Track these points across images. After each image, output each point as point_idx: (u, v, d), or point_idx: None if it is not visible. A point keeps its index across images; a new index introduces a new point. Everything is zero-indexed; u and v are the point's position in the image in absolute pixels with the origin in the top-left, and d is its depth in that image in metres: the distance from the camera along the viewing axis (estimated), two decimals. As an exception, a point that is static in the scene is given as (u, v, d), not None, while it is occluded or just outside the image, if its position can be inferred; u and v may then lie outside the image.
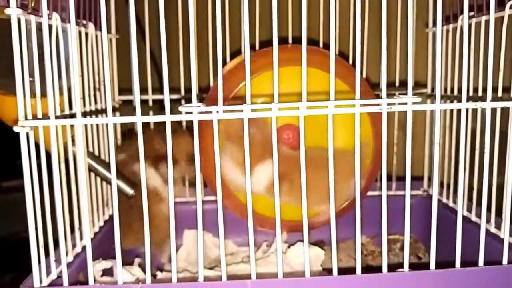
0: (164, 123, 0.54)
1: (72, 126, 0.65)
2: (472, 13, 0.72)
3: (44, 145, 0.57)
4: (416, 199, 0.90)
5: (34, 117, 0.56)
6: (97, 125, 0.78)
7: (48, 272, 0.58)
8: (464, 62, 0.57)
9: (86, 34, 0.74)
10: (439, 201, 0.82)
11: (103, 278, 0.70)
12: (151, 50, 0.90)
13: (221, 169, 0.68)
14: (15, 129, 0.54)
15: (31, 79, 0.56)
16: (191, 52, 0.53)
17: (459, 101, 0.57)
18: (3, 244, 1.01)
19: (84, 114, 0.72)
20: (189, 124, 0.55)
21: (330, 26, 0.54)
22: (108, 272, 0.71)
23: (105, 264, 0.70)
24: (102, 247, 0.72)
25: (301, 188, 0.55)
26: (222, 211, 0.55)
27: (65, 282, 0.57)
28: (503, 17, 0.66)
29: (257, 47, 0.88)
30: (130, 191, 0.78)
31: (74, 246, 0.66)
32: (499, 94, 0.66)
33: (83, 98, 0.73)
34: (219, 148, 0.54)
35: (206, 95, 0.82)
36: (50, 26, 0.60)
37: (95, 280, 0.58)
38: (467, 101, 0.57)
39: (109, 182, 0.77)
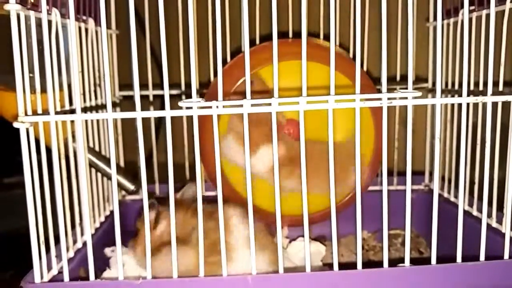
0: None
1: (72, 121, 0.65)
2: (472, 7, 0.72)
3: (44, 141, 0.57)
4: (417, 194, 0.89)
5: (34, 113, 0.56)
6: (98, 120, 0.78)
7: (49, 268, 0.58)
8: (465, 56, 0.57)
9: (86, 29, 0.74)
10: (440, 195, 0.81)
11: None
12: (151, 46, 0.89)
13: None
14: (15, 125, 0.54)
15: (31, 75, 0.55)
16: (191, 47, 0.53)
17: (460, 95, 0.57)
18: (4, 240, 1.02)
19: (84, 110, 0.72)
20: (189, 118, 0.55)
21: (330, 20, 0.54)
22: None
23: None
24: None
25: (302, 183, 0.55)
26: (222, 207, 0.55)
27: (66, 277, 0.57)
28: (504, 11, 0.66)
29: (257, 41, 0.88)
30: (130, 187, 0.78)
31: (75, 241, 0.66)
32: (500, 88, 0.66)
33: (83, 93, 0.73)
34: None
35: (207, 90, 0.82)
36: (49, 22, 0.59)
37: (96, 276, 0.58)
38: (468, 95, 0.57)
39: (109, 178, 0.77)
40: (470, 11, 0.72)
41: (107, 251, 0.74)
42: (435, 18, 0.88)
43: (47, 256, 0.58)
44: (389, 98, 0.54)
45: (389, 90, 0.55)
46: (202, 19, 0.87)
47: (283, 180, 0.66)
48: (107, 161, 0.75)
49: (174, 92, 0.89)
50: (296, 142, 0.75)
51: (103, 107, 0.78)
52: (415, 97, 0.54)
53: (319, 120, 0.64)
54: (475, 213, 0.72)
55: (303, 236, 0.57)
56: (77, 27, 0.70)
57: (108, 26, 0.86)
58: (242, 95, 0.56)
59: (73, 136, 0.66)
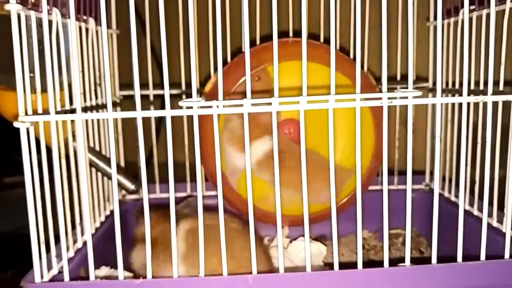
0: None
1: (72, 121, 0.65)
2: (473, 7, 0.72)
3: (45, 141, 0.57)
4: (418, 194, 0.89)
5: (35, 112, 0.56)
6: (98, 120, 0.78)
7: (49, 268, 0.58)
8: (465, 55, 0.57)
9: (87, 29, 0.74)
10: (441, 195, 0.82)
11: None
12: (151, 45, 0.89)
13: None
14: (16, 124, 0.54)
15: (31, 74, 0.55)
16: (191, 47, 0.53)
17: (461, 94, 0.57)
18: (4, 240, 1.02)
19: (85, 109, 0.72)
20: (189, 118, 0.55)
21: (330, 20, 0.54)
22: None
23: (106, 270, 0.70)
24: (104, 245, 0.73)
25: (302, 183, 0.55)
26: (222, 206, 0.55)
27: (66, 277, 0.57)
28: (504, 11, 0.66)
29: (257, 41, 0.88)
30: (131, 186, 0.78)
31: (75, 241, 0.66)
32: (501, 87, 0.66)
33: (84, 93, 0.73)
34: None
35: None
36: (50, 22, 0.59)
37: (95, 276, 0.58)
38: (469, 94, 0.57)
39: (110, 177, 0.77)
40: (471, 11, 0.72)
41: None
42: (435, 18, 0.88)
43: (48, 255, 0.58)
44: (389, 98, 0.54)
45: (390, 90, 0.55)
46: (203, 19, 0.87)
47: (270, 176, 0.66)
48: (107, 160, 0.75)
49: (175, 91, 0.89)
50: (291, 142, 0.76)
51: (103, 106, 0.78)
52: (416, 97, 0.54)
53: (316, 131, 0.64)
54: (475, 212, 0.72)
55: (303, 235, 0.57)
56: (77, 26, 0.70)
57: (109, 26, 0.86)
58: (243, 94, 0.56)
59: (74, 136, 0.66)
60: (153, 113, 0.55)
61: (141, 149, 0.54)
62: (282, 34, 0.80)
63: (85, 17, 0.73)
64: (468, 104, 0.58)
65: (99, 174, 0.77)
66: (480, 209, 0.71)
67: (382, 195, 0.55)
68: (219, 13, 0.53)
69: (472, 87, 0.71)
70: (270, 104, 0.54)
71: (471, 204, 0.73)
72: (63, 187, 0.60)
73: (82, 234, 0.68)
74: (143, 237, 0.62)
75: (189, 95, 0.87)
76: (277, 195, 0.55)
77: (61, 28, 0.62)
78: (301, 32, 0.54)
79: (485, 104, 0.57)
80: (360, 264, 0.57)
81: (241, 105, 0.54)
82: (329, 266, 0.79)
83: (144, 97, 0.84)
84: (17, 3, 0.52)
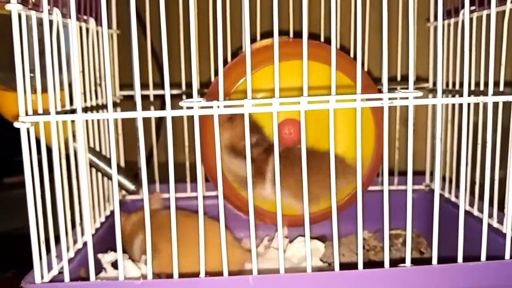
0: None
1: (72, 121, 0.65)
2: (473, 8, 0.72)
3: (45, 141, 0.57)
4: (418, 194, 0.89)
5: (35, 112, 0.56)
6: (98, 120, 0.78)
7: (50, 268, 0.58)
8: (466, 56, 0.57)
9: (87, 29, 0.74)
10: (441, 195, 0.82)
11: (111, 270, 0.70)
12: (152, 45, 0.89)
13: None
14: (16, 124, 0.53)
15: (31, 74, 0.55)
16: (192, 47, 0.53)
17: (461, 95, 0.57)
18: (5, 240, 1.02)
19: (85, 110, 0.72)
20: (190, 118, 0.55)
21: (331, 20, 0.54)
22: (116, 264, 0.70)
23: (114, 255, 0.70)
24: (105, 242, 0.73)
25: (303, 182, 0.55)
26: (223, 206, 0.55)
27: (66, 278, 0.57)
28: (504, 11, 0.66)
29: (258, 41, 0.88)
30: (131, 186, 0.78)
31: (75, 241, 0.66)
32: (501, 88, 0.66)
33: (84, 93, 0.73)
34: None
35: (207, 90, 0.82)
36: (50, 22, 0.59)
37: (97, 275, 0.57)
38: (469, 95, 0.57)
39: (110, 178, 0.77)
40: (471, 11, 0.72)
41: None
42: (435, 18, 0.88)
43: (48, 256, 0.58)
44: (390, 98, 0.54)
45: (390, 90, 0.55)
46: (203, 19, 0.87)
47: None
48: (107, 161, 0.75)
49: (175, 92, 0.89)
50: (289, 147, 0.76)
51: (103, 107, 0.78)
52: (416, 97, 0.54)
53: (316, 128, 0.64)
54: (476, 213, 0.72)
55: (302, 235, 0.57)
56: (78, 26, 0.70)
57: (109, 26, 0.86)
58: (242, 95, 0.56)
59: (74, 136, 0.66)
60: (153, 114, 0.55)
61: (141, 150, 0.54)
62: (283, 34, 0.80)
63: (85, 17, 0.73)
64: (469, 104, 0.58)
65: (99, 174, 0.77)
66: (481, 209, 0.71)
67: (382, 196, 0.55)
68: (220, 13, 0.53)
69: (473, 87, 0.71)
70: (270, 104, 0.54)
71: (472, 204, 0.73)
72: (63, 187, 0.60)
73: (82, 234, 0.68)
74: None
75: (189, 95, 0.87)
76: (278, 194, 0.55)
77: (62, 28, 0.62)
78: (301, 32, 0.54)
79: (485, 104, 0.57)
80: (360, 265, 0.56)
81: (242, 106, 0.54)
82: (329, 264, 0.79)
83: (145, 97, 0.84)
84: (18, 3, 0.52)
